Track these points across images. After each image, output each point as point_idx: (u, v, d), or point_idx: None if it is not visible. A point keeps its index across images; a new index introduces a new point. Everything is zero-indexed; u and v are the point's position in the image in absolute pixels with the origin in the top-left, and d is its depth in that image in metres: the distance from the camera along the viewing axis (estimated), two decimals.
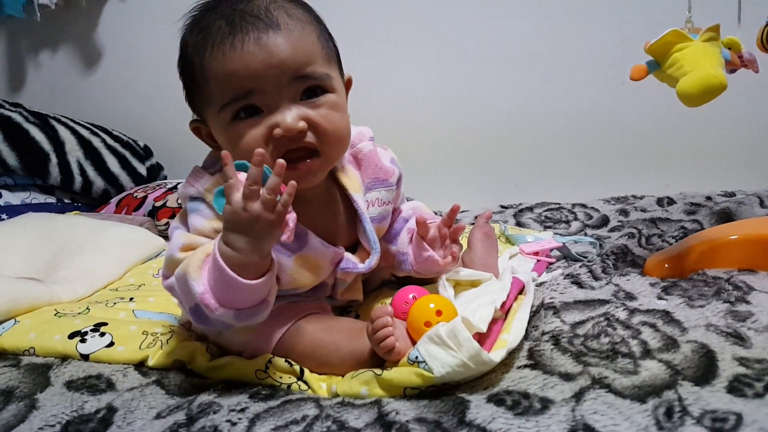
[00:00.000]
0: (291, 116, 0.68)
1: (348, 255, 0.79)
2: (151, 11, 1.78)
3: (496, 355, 0.64)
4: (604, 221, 1.23)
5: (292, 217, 0.65)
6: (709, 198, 1.25)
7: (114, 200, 1.58)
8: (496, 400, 0.60)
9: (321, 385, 0.70)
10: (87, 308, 0.94)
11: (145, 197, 1.50)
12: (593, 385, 0.60)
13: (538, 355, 0.68)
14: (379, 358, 0.68)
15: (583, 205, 1.32)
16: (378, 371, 0.66)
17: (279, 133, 0.67)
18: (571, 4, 1.46)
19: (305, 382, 0.70)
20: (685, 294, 0.79)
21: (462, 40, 1.55)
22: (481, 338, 0.68)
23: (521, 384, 0.62)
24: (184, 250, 0.69)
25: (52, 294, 0.99)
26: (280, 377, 0.70)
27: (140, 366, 0.78)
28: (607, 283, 0.86)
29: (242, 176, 0.62)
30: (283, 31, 0.68)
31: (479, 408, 0.59)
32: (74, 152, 1.62)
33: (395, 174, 0.84)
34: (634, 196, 1.35)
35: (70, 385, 0.73)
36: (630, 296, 0.81)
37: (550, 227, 1.24)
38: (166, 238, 1.25)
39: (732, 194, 1.26)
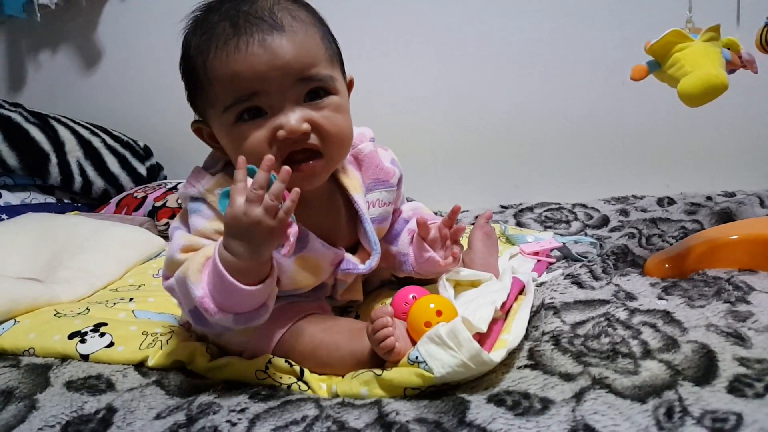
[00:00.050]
0: (295, 118, 0.68)
1: (348, 256, 0.79)
2: (151, 11, 1.78)
3: (497, 355, 0.64)
4: (605, 221, 1.23)
5: (293, 231, 0.64)
6: (709, 198, 1.25)
7: (114, 200, 1.58)
8: (497, 400, 0.60)
9: (321, 385, 0.70)
10: (87, 308, 0.94)
11: (145, 197, 1.50)
12: (593, 385, 0.60)
13: (539, 355, 0.68)
14: (379, 358, 0.68)
15: (584, 205, 1.32)
16: (378, 371, 0.66)
17: (282, 134, 0.67)
18: (571, 4, 1.46)
19: (305, 383, 0.70)
20: (686, 294, 0.79)
21: (462, 40, 1.55)
22: (481, 338, 0.68)
23: (521, 384, 0.62)
24: (185, 251, 0.69)
25: (52, 294, 0.99)
26: (280, 377, 0.70)
27: (140, 366, 0.77)
28: (607, 284, 0.86)
29: (247, 180, 0.62)
30: (288, 33, 0.68)
31: (479, 408, 0.59)
32: (74, 152, 1.62)
33: (396, 175, 0.84)
34: (634, 196, 1.35)
35: (70, 385, 0.73)
36: (630, 296, 0.81)
37: (550, 227, 1.24)
38: (166, 238, 1.26)
39: (732, 194, 1.26)
